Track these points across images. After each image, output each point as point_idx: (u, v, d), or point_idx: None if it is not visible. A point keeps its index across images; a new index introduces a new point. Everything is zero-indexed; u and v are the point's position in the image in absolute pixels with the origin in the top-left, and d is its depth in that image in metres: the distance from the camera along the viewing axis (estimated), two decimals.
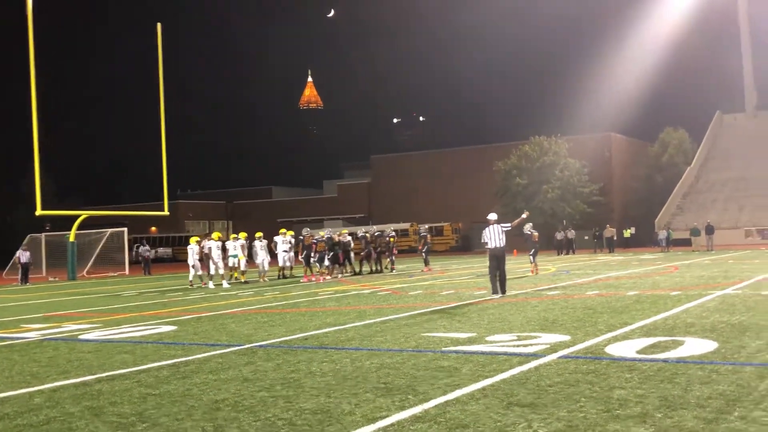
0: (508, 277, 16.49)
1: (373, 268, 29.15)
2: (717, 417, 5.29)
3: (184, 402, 6.54)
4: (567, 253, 45.57)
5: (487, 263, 16.34)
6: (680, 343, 8.55)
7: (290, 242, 27.83)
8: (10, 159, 69.10)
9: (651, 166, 63.79)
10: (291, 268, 28.32)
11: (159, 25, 37.63)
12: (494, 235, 15.71)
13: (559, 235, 47.59)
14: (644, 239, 55.74)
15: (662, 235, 46.81)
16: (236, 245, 25.86)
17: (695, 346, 8.30)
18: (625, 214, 62.64)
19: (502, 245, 15.72)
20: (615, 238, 48.97)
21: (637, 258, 35.21)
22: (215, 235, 25.88)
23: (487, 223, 15.98)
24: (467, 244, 65.43)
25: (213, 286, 23.77)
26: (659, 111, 73.92)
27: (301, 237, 26.81)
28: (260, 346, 9.77)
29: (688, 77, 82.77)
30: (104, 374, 8.10)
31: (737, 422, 5.14)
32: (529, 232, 24.22)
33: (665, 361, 7.49)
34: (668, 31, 70.73)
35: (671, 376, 6.71)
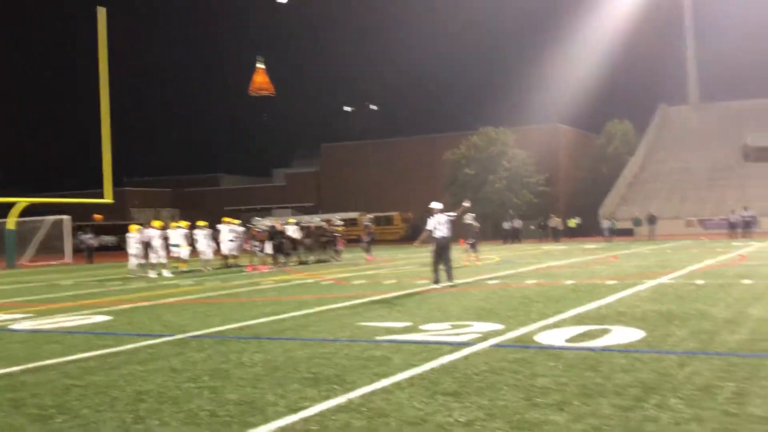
0: (453, 266, 16.57)
1: (319, 258, 29.09)
2: (633, 405, 5.40)
3: (107, 393, 6.45)
4: (513, 243, 46.07)
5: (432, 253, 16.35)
6: (608, 332, 8.71)
7: (235, 231, 27.61)
8: None
9: (596, 157, 64.73)
10: (236, 257, 28.11)
11: (101, 8, 36.85)
12: (439, 225, 15.74)
13: (506, 225, 48.09)
14: (589, 229, 56.58)
15: (606, 224, 47.61)
16: (178, 234, 25.55)
17: (622, 335, 8.47)
18: (571, 204, 63.50)
19: (447, 234, 15.77)
20: (560, 227, 49.65)
21: (580, 247, 35.77)
22: (156, 223, 25.52)
23: (432, 212, 16.03)
24: (417, 234, 65.65)
25: (154, 276, 23.47)
26: (605, 103, 74.96)
27: (258, 227, 26.60)
28: (193, 336, 9.67)
29: (634, 70, 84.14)
30: (31, 365, 7.95)
31: (652, 410, 5.26)
32: (469, 222, 24.30)
33: (591, 349, 7.63)
34: (614, 24, 71.76)
35: (595, 365, 6.83)
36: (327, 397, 5.97)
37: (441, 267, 15.77)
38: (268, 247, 25.90)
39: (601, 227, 48.56)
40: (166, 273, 23.77)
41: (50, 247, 42.92)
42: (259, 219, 26.82)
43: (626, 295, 12.66)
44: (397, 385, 6.31)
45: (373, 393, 6.08)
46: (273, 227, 26.21)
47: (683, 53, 75.83)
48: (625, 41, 73.05)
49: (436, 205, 16.20)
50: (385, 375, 6.72)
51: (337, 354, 7.91)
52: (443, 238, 15.67)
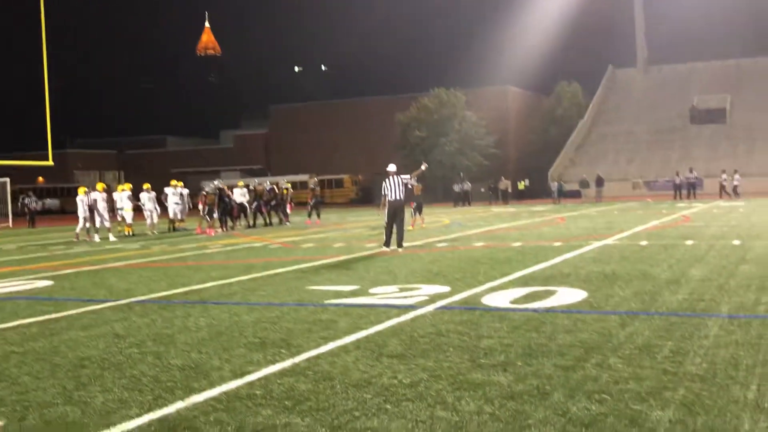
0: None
1: (267, 221, 28.88)
2: (575, 364, 5.49)
3: (48, 360, 6.33)
4: (464, 205, 46.38)
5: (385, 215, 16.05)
6: (553, 293, 8.83)
7: (181, 194, 27.24)
8: None
9: (546, 119, 65.23)
10: (182, 220, 27.76)
11: None
12: (394, 187, 15.56)
13: (457, 188, 48.33)
14: (538, 191, 57.23)
15: (554, 187, 48.18)
16: (122, 197, 25.12)
17: (566, 296, 8.59)
18: (520, 166, 64.04)
19: (401, 197, 15.61)
20: (510, 190, 50.12)
21: (528, 210, 36.17)
22: (99, 186, 25.01)
23: (387, 175, 15.84)
24: (368, 197, 65.61)
25: (98, 240, 23.07)
26: (555, 65, 75.35)
27: (205, 189, 26.19)
28: (138, 301, 9.54)
29: (583, 32, 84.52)
30: None
31: (592, 369, 5.35)
32: (411, 186, 24.10)
33: (535, 310, 7.73)
34: None
35: (538, 325, 6.92)
36: (272, 362, 5.95)
37: (393, 230, 15.70)
38: (216, 211, 25.58)
39: (550, 189, 49.12)
40: (111, 237, 23.38)
41: None
42: (207, 182, 26.44)
43: (572, 257, 12.85)
44: (344, 348, 6.31)
45: (319, 356, 6.07)
46: (222, 190, 25.86)
47: (632, 16, 76.50)
48: (574, 3, 73.31)
49: (391, 167, 16.08)
50: (332, 338, 6.72)
51: (284, 318, 7.88)
52: (397, 200, 15.53)
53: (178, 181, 28.46)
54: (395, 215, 15.60)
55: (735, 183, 42.98)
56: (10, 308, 9.34)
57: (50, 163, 31.69)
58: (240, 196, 27.86)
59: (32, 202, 39.34)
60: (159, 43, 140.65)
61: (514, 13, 74.49)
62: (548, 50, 72.17)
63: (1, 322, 8.26)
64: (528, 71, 71.18)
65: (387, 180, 15.71)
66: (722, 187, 43.10)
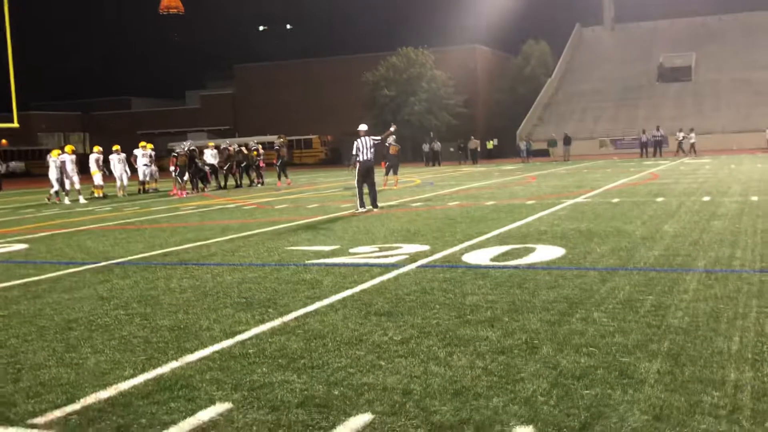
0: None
1: (238, 182, 28.73)
2: (560, 319, 5.61)
3: (34, 322, 6.31)
4: (433, 165, 46.47)
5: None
6: (531, 250, 8.95)
7: (150, 156, 26.96)
8: None
9: (514, 78, 65.33)
10: (156, 180, 27.54)
11: None
12: (364, 148, 15.45)
13: (426, 147, 48.38)
14: (507, 150, 57.50)
15: (522, 146, 48.43)
16: (92, 159, 24.84)
17: (545, 253, 8.72)
18: (489, 125, 64.21)
19: (371, 158, 15.52)
20: (479, 149, 50.28)
21: (498, 169, 36.38)
22: (68, 148, 24.66)
23: (358, 135, 15.70)
24: (337, 157, 65.42)
25: (69, 202, 22.82)
26: (522, 23, 75.20)
27: (176, 150, 25.86)
28: (117, 263, 9.50)
29: None
30: None
31: (578, 324, 5.47)
32: (388, 145, 24.12)
33: (516, 267, 7.84)
34: None
35: (521, 282, 7.04)
36: (261, 321, 5.99)
37: (366, 191, 15.70)
38: (187, 173, 25.40)
39: (519, 148, 49.37)
40: (81, 199, 23.12)
41: None
42: (177, 144, 26.14)
43: (546, 215, 13.00)
44: (331, 307, 6.37)
45: (307, 315, 6.13)
46: (192, 151, 25.63)
47: None
48: None
49: (362, 127, 15.99)
50: (318, 298, 6.77)
51: (267, 278, 7.91)
52: (368, 161, 15.47)
53: (147, 143, 28.14)
54: (366, 175, 15.48)
55: (692, 141, 43.58)
56: None
57: (15, 125, 31.13)
58: (211, 157, 27.65)
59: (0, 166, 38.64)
60: (121, 3, 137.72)
61: None
62: (516, 9, 71.91)
63: None
64: (496, 30, 71.02)
65: (358, 140, 15.56)
66: (679, 145, 43.70)
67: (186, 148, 25.71)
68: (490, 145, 55.92)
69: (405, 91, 58.00)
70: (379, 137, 16.54)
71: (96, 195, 24.89)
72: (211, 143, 30.52)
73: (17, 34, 34.57)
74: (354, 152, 15.65)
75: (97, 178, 24.84)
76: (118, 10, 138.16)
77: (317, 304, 6.50)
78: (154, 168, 27.32)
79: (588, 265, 7.89)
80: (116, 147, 26.45)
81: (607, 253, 8.53)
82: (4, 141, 71.81)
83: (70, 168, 23.48)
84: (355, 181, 15.73)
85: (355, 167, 15.56)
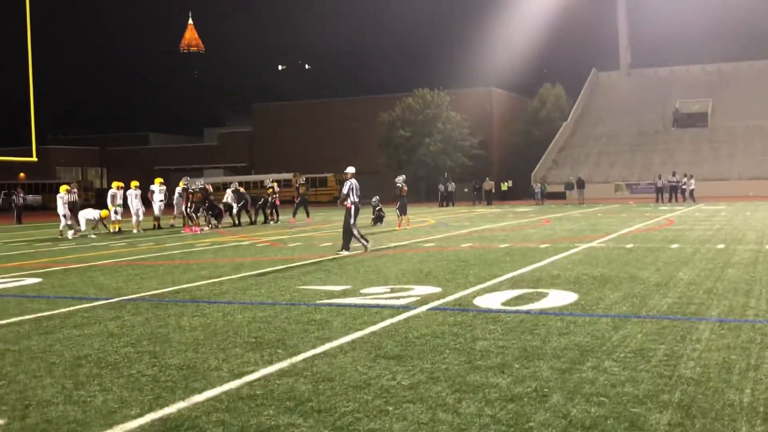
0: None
1: (252, 220, 28.87)
2: (571, 367, 5.56)
3: (44, 358, 6.32)
4: (447, 206, 46.51)
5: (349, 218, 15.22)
6: (544, 295, 8.91)
7: (165, 192, 27.20)
8: None
9: (529, 121, 65.60)
10: (174, 217, 27.73)
11: None
12: (356, 189, 15.17)
13: (441, 188, 48.50)
14: (521, 192, 57.49)
15: (537, 188, 48.42)
16: (109, 194, 25.25)
17: (557, 298, 8.67)
18: (504, 167, 64.33)
19: (357, 200, 15.18)
20: (493, 190, 50.31)
21: (512, 211, 36.33)
22: (133, 183, 26.10)
23: (349, 176, 15.37)
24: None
25: (71, 237, 23.06)
26: (539, 67, 75.77)
27: (191, 188, 26.02)
28: (129, 299, 9.53)
29: (567, 35, 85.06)
30: None
31: (589, 372, 5.42)
32: (400, 185, 24.14)
33: (528, 312, 7.80)
34: None
35: (532, 328, 6.99)
36: (270, 362, 5.97)
37: (358, 233, 15.18)
38: (201, 209, 25.58)
39: (533, 191, 49.35)
40: (92, 235, 23.31)
41: None
42: (192, 180, 26.28)
43: (559, 259, 12.94)
44: (340, 349, 6.35)
45: (315, 357, 6.10)
46: (205, 189, 25.81)
47: (615, 20, 77.03)
48: (559, 6, 73.72)
49: (350, 169, 15.64)
50: (327, 339, 6.75)
51: (278, 318, 7.90)
52: (356, 203, 15.08)
53: (161, 178, 28.43)
54: (354, 217, 15.09)
55: (691, 188, 43.43)
56: (0, 306, 9.28)
57: (34, 159, 31.48)
58: (230, 199, 27.99)
59: (19, 199, 38.97)
60: (142, 40, 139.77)
61: (498, 16, 74.79)
62: (532, 53, 72.64)
63: None
64: (512, 73, 71.64)
65: (352, 181, 15.25)
66: (680, 191, 43.60)
67: (198, 186, 25.84)
68: (504, 186, 55.94)
69: (420, 132, 58.33)
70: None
71: (111, 230, 25.06)
72: (232, 185, 30.44)
73: (38, 69, 35.12)
74: (346, 191, 15.25)
75: (114, 213, 25.08)
76: (138, 47, 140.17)
77: (326, 346, 6.48)
78: (164, 204, 27.54)
79: (600, 311, 7.83)
80: (135, 183, 26.59)
81: (620, 300, 8.47)
82: (22, 175, 72.57)
83: (137, 202, 25.20)
84: (352, 222, 15.20)
85: (350, 207, 15.14)
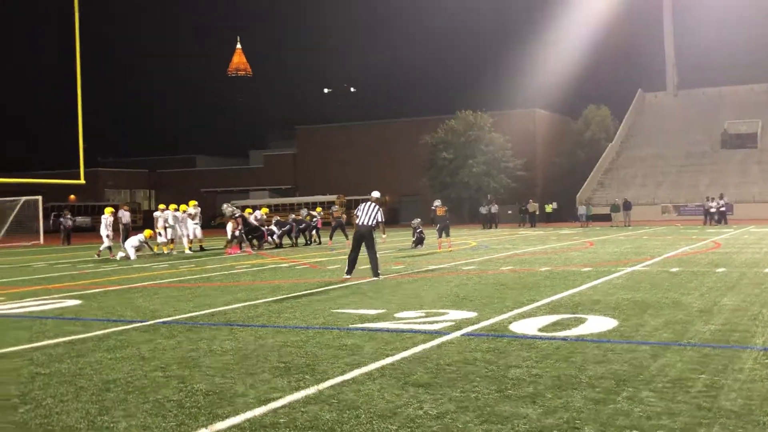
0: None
1: (294, 242, 29.00)
2: (605, 397, 5.36)
3: (73, 382, 6.32)
4: (490, 227, 46.19)
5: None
6: (582, 321, 8.69)
7: (199, 215, 27.24)
8: None
9: (574, 143, 65.00)
10: (201, 240, 27.90)
11: None
12: (362, 212, 14.68)
13: (484, 210, 48.20)
14: (565, 214, 56.85)
15: (582, 210, 47.84)
16: (155, 216, 25.74)
17: (596, 324, 8.44)
18: (548, 189, 63.74)
19: (368, 223, 14.62)
20: (537, 212, 49.83)
21: (556, 233, 35.89)
22: (191, 203, 26.67)
23: (371, 200, 15.00)
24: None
25: (119, 258, 23.40)
26: (583, 88, 75.13)
27: (236, 214, 26.32)
28: (164, 322, 9.54)
29: (612, 55, 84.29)
30: None
31: (624, 403, 5.22)
32: (434, 207, 23.95)
33: (564, 339, 7.59)
34: (593, 9, 71.81)
35: (568, 355, 6.79)
36: (297, 388, 5.88)
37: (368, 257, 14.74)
38: (243, 232, 25.84)
39: (578, 213, 48.77)
40: (132, 255, 23.64)
41: (23, 227, 42.37)
42: (227, 205, 26.64)
43: (600, 283, 12.67)
44: (369, 376, 6.23)
45: (343, 383, 5.99)
46: (243, 213, 26.29)
47: (662, 39, 76.15)
48: (604, 26, 73.20)
49: (374, 194, 15.28)
50: (357, 365, 6.64)
51: (309, 342, 7.82)
52: (364, 226, 14.58)
53: (201, 199, 28.65)
54: (360, 240, 14.62)
55: (722, 209, 42.33)
56: (37, 328, 9.37)
57: (82, 181, 32.07)
58: (275, 227, 28.30)
59: (67, 220, 39.72)
60: (191, 64, 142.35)
61: (541, 37, 74.51)
62: (576, 73, 72.02)
63: (29, 342, 8.28)
64: (556, 94, 71.11)
65: (362, 204, 14.92)
66: (708, 213, 42.58)
67: (237, 211, 26.27)
68: (549, 208, 55.33)
69: (463, 154, 58.17)
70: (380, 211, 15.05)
71: (156, 251, 25.42)
72: (303, 209, 30.53)
73: (88, 93, 35.87)
74: (356, 214, 14.94)
75: (166, 234, 25.50)
76: (188, 71, 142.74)
77: (355, 372, 6.36)
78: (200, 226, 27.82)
79: (640, 338, 7.59)
80: (183, 207, 26.85)
81: (661, 327, 8.22)
82: (72, 196, 74.05)
83: (191, 223, 25.84)
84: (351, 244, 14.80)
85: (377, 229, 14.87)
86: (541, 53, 75.83)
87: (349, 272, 14.63)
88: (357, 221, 14.70)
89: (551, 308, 9.85)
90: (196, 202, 28.13)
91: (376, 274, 14.49)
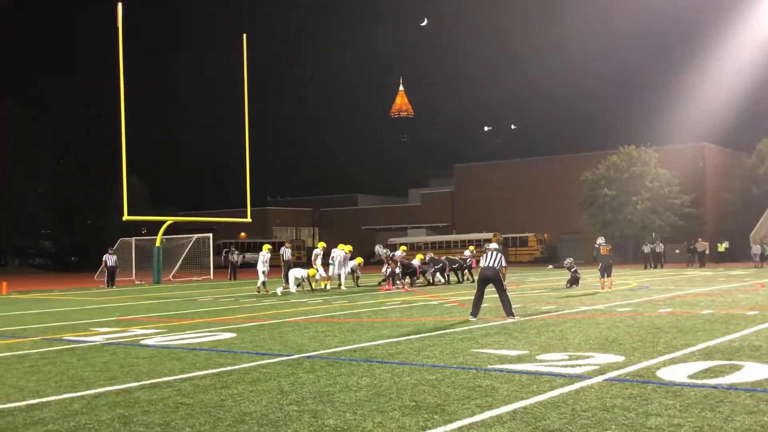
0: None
1: (446, 280, 29.03)
2: None
3: (213, 413, 6.59)
4: (654, 267, 44.20)
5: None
6: (738, 368, 8.12)
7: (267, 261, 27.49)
8: (106, 165, 71.80)
9: (747, 178, 61.22)
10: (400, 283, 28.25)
11: (244, 35, 38.58)
12: (487, 257, 14.47)
13: (646, 248, 46.22)
14: (739, 254, 53.50)
15: (756, 249, 44.84)
16: (314, 254, 26.92)
17: (753, 372, 7.87)
18: (719, 227, 60.30)
19: (492, 264, 14.29)
20: (707, 252, 47.19)
21: (726, 273, 33.83)
22: (347, 248, 27.45)
23: (488, 249, 14.75)
24: (553, 256, 64.24)
25: (279, 293, 24.28)
26: (756, 120, 70.89)
27: (390, 253, 27.23)
28: (308, 357, 9.78)
29: None
30: (149, 381, 8.25)
31: None
32: (597, 246, 23.09)
33: (715, 387, 7.12)
34: (764, 37, 67.84)
35: (716, 404, 6.36)
36: (424, 428, 5.85)
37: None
38: (398, 272, 26.58)
39: (751, 252, 45.74)
40: (279, 291, 24.50)
41: (195, 263, 44.94)
42: (380, 246, 27.60)
43: (765, 328, 11.80)
44: (498, 419, 6.10)
45: (471, 426, 5.90)
46: (393, 259, 26.89)
47: None
48: None
49: (493, 245, 14.97)
50: (488, 407, 6.52)
51: (444, 381, 7.76)
52: (488, 268, 14.33)
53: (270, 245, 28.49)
54: (485, 282, 14.37)
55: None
56: (190, 359, 9.86)
57: (248, 220, 33.70)
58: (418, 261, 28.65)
59: (234, 256, 41.76)
60: (358, 105, 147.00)
61: (707, 67, 71.11)
62: (747, 106, 68.14)
63: (180, 373, 8.73)
64: (725, 128, 67.50)
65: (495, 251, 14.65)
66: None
67: (391, 253, 27.10)
68: (721, 248, 52.19)
69: (626, 190, 56.19)
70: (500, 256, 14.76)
71: (314, 287, 26.32)
72: (420, 255, 30.61)
73: (258, 136, 37.83)
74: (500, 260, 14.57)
75: (321, 271, 26.41)
76: (354, 114, 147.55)
77: (485, 414, 6.25)
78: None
79: None
80: (343, 247, 27.68)
81: None
82: (243, 234, 77.84)
83: (338, 261, 26.72)
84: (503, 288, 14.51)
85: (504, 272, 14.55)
86: (708, 84, 72.34)
87: (473, 314, 14.32)
88: (482, 263, 14.56)
89: (706, 354, 9.27)
90: (270, 246, 27.95)
91: (510, 314, 14.16)
